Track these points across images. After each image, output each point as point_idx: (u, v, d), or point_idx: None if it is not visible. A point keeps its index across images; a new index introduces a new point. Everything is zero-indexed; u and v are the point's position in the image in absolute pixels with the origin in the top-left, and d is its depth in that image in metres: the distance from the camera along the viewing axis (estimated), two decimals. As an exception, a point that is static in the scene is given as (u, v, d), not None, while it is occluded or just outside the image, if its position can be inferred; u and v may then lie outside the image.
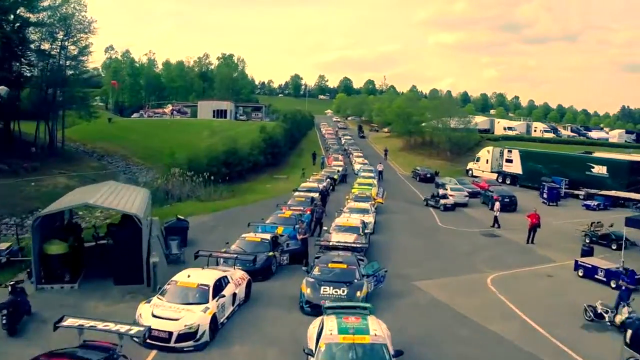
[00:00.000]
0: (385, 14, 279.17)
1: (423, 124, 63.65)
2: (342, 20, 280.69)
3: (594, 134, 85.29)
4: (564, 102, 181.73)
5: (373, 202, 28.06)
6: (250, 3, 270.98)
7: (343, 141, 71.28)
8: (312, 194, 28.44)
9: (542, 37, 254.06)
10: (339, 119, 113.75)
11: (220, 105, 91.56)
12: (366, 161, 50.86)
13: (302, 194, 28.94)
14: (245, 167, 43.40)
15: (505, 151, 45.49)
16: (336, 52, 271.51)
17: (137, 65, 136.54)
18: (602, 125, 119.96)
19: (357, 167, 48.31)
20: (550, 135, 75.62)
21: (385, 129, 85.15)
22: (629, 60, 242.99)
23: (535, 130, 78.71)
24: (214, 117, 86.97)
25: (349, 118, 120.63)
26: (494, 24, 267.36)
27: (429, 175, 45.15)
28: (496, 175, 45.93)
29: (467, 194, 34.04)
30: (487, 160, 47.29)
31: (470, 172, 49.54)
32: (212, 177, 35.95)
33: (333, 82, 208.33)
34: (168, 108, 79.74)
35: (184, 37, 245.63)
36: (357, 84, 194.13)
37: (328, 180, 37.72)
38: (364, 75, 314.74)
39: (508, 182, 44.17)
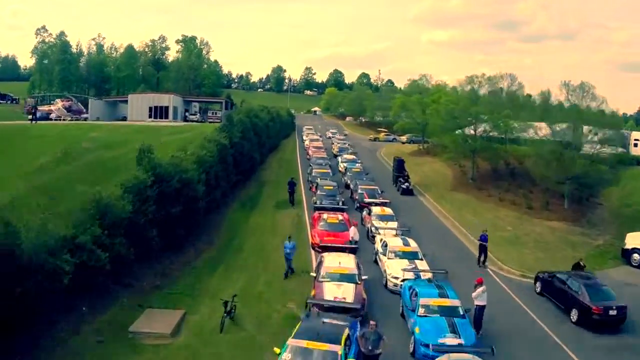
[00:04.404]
0: (377, 11, 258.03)
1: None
2: (332, 17, 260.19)
3: None
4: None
5: None
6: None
7: (342, 167, 37.76)
8: None
9: (537, 36, 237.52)
10: (340, 134, 66.06)
11: (160, 100, 63.70)
12: (418, 249, 19.14)
13: None
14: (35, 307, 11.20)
15: None
16: (326, 49, 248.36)
17: (75, 51, 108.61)
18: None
19: (391, 275, 17.37)
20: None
21: (404, 137, 57.68)
22: (629, 59, 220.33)
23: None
24: (151, 117, 59.77)
25: (347, 119, 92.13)
26: (488, 22, 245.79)
27: (613, 313, 14.92)
28: None
29: None
30: None
31: (635, 255, 21.81)
32: None
33: (322, 77, 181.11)
34: (56, 105, 50.90)
35: (171, 32, 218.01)
36: (349, 78, 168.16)
37: None
38: (355, 72, 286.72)
39: None
